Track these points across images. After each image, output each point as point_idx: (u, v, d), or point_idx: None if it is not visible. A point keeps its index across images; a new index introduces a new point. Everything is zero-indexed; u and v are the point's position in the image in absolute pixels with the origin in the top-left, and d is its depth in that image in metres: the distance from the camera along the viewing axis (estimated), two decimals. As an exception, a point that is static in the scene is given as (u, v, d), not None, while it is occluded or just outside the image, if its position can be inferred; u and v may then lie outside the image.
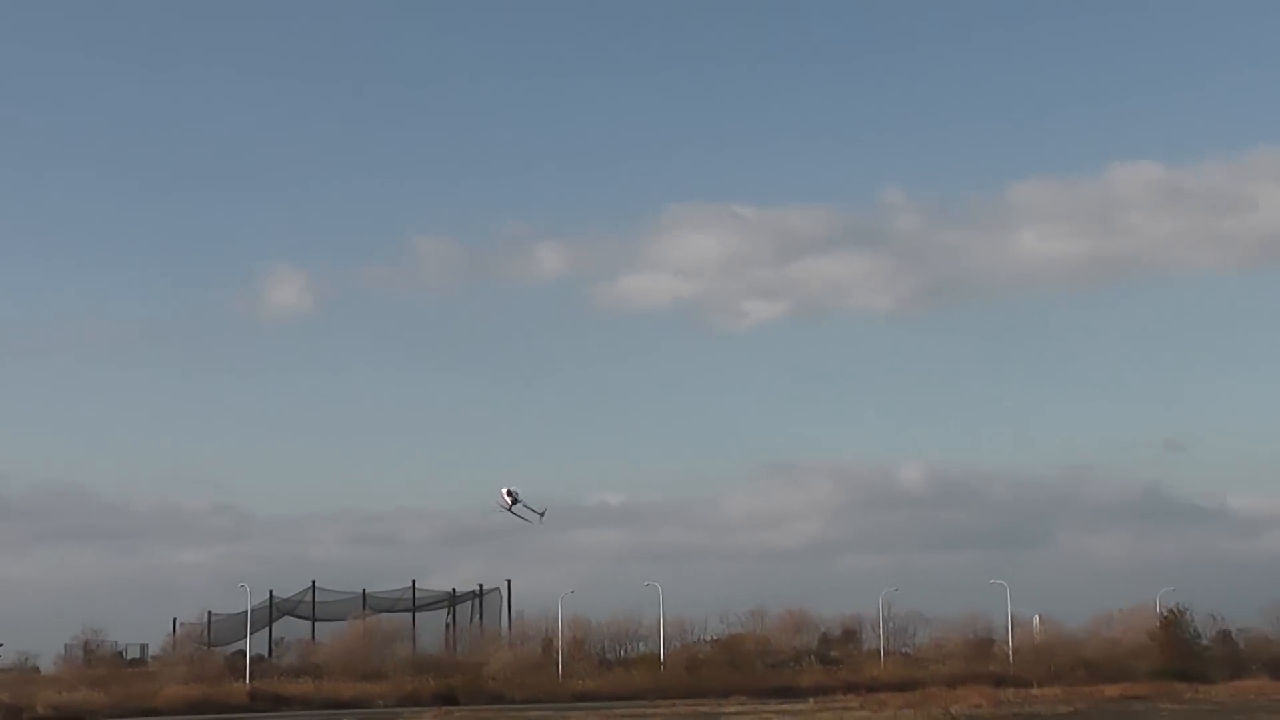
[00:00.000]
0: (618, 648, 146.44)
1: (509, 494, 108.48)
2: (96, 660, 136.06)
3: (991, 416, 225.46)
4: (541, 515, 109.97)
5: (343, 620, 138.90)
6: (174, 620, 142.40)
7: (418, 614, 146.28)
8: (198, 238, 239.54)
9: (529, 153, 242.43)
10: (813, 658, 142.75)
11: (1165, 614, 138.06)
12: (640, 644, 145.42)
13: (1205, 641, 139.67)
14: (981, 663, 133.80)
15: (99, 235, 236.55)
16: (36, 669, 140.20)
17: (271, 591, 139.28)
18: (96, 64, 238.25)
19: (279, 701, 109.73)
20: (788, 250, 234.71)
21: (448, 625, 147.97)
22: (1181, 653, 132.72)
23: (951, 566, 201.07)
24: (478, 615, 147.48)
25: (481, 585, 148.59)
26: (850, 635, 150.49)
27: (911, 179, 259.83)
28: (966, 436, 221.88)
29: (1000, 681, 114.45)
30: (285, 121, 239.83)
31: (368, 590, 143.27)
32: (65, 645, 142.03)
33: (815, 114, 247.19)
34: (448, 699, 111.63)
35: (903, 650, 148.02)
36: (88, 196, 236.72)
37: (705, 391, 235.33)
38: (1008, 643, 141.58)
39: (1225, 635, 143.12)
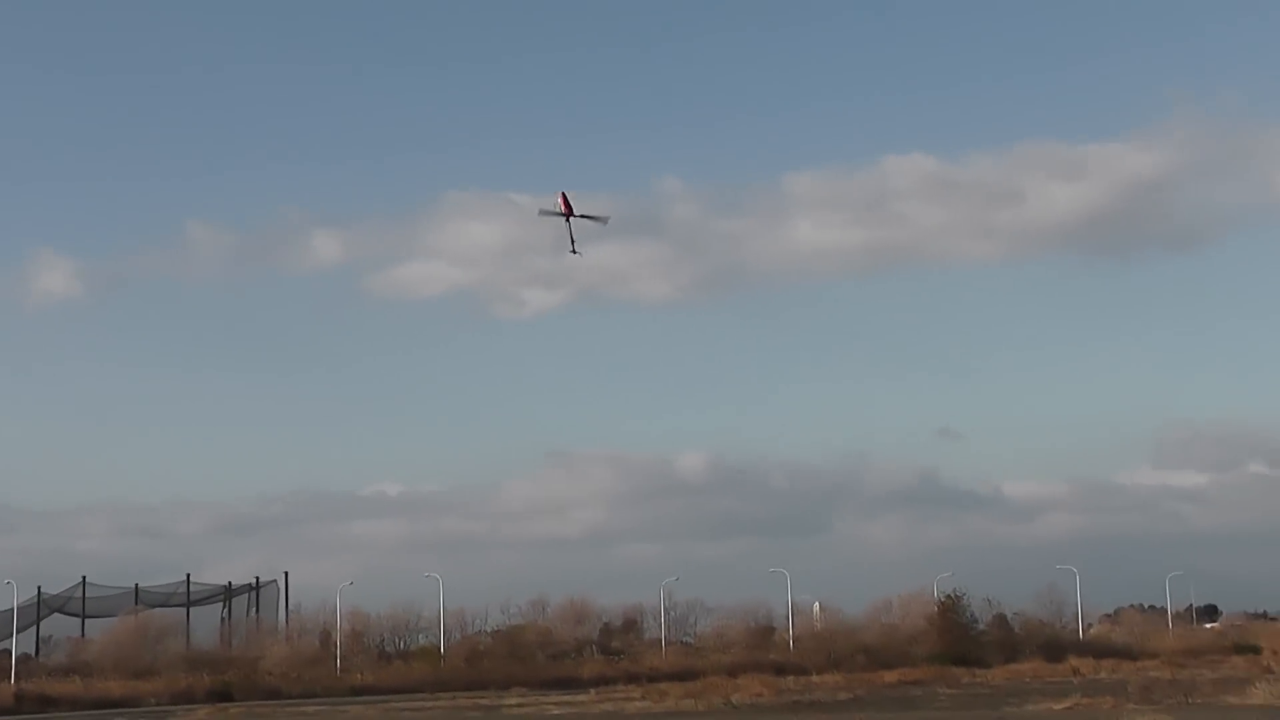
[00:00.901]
0: (397, 640, 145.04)
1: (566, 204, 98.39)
2: None
3: (770, 405, 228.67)
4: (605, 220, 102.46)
5: (114, 616, 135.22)
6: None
7: (192, 608, 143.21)
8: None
9: (304, 140, 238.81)
10: (594, 648, 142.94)
11: (942, 599, 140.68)
12: (420, 636, 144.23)
13: (982, 626, 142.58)
14: (763, 651, 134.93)
15: None
16: None
17: (39, 587, 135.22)
18: None
19: (46, 703, 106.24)
20: (566, 239, 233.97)
21: (223, 619, 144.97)
22: (959, 637, 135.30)
23: (732, 555, 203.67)
24: (254, 609, 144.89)
25: (258, 578, 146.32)
26: (631, 625, 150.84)
27: (688, 168, 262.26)
28: (745, 425, 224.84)
29: (781, 669, 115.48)
30: (54, 107, 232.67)
31: (140, 585, 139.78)
32: None
33: (592, 104, 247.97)
34: (223, 695, 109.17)
35: (684, 640, 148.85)
36: None
37: (486, 380, 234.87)
38: (788, 631, 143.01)
39: (1001, 619, 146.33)
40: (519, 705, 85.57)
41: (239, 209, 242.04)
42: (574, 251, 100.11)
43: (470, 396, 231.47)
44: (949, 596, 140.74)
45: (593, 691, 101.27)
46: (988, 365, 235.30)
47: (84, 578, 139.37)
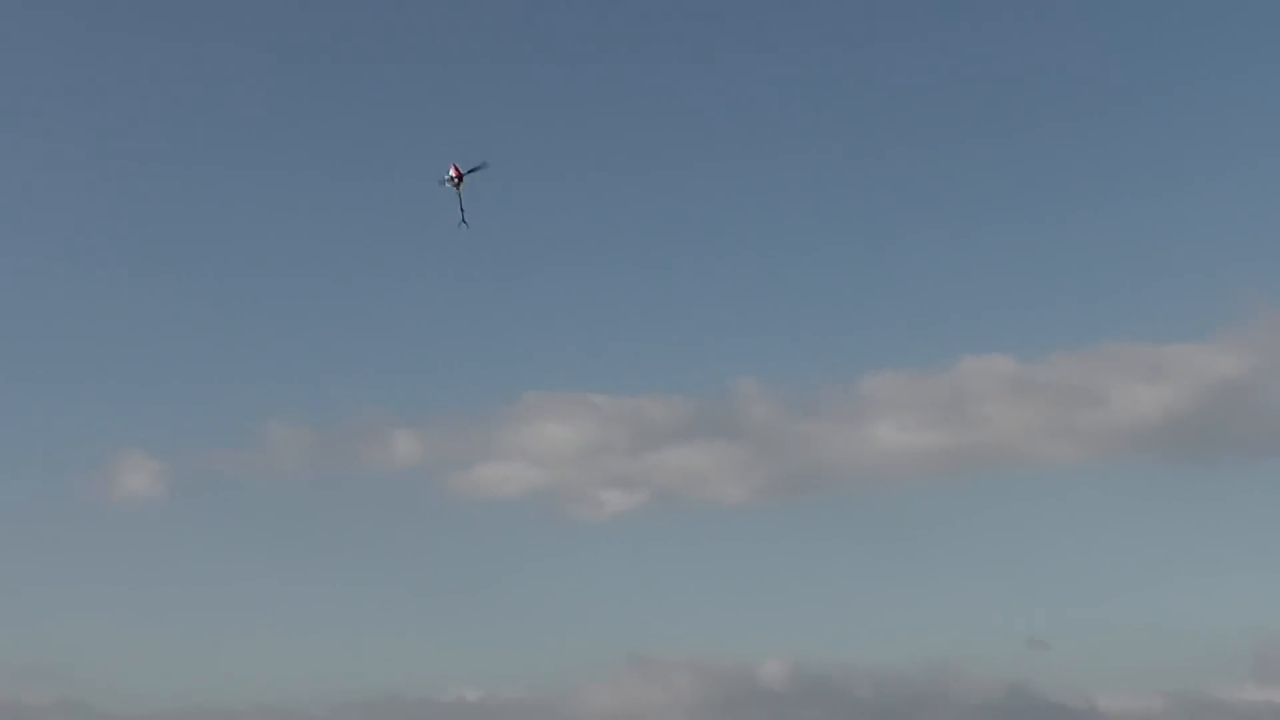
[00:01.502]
0: None
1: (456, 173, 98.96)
2: None
3: (851, 610, 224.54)
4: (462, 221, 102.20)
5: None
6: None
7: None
8: (48, 425, 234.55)
9: (384, 339, 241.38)
10: None
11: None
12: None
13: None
14: None
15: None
16: None
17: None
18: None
19: None
20: (644, 440, 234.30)
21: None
22: None
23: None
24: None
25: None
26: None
27: (764, 370, 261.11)
28: (827, 631, 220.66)
29: None
30: (135, 308, 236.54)
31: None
32: None
33: (670, 306, 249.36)
34: None
35: None
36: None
37: (564, 582, 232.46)
38: None
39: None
40: None
41: (320, 409, 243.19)
42: (464, 223, 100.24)
43: (549, 598, 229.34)
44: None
45: None
46: (1074, 572, 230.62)
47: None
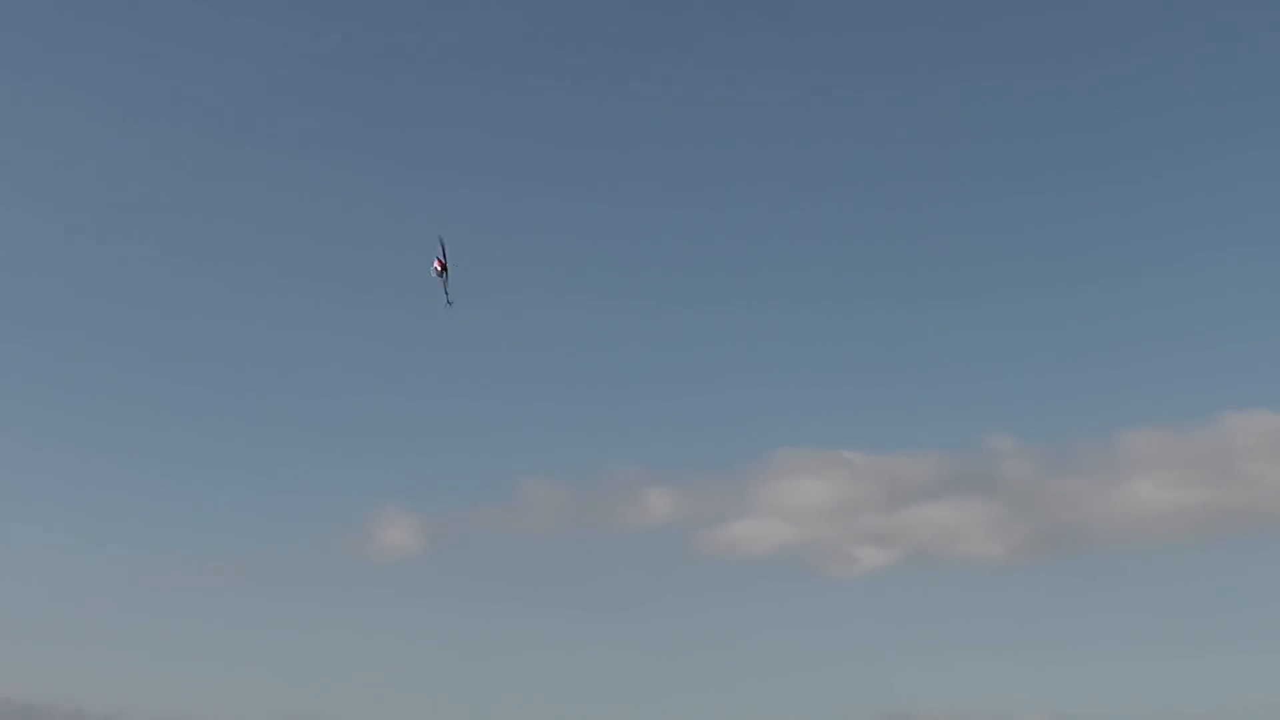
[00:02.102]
0: None
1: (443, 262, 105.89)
2: None
3: (1111, 669, 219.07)
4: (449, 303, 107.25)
5: None
6: None
7: None
8: (309, 478, 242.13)
9: (637, 398, 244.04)
10: None
11: None
12: None
13: None
14: None
15: (212, 473, 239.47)
16: None
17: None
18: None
19: None
20: (897, 497, 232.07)
21: None
22: None
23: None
24: None
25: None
26: None
27: (1020, 426, 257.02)
28: (1087, 690, 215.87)
29: None
30: (394, 364, 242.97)
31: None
32: None
33: (921, 360, 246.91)
34: None
35: None
36: (213, 439, 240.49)
37: (817, 639, 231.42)
38: None
39: None
40: None
41: (575, 467, 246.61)
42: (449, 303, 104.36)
43: (802, 655, 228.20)
44: None
45: None
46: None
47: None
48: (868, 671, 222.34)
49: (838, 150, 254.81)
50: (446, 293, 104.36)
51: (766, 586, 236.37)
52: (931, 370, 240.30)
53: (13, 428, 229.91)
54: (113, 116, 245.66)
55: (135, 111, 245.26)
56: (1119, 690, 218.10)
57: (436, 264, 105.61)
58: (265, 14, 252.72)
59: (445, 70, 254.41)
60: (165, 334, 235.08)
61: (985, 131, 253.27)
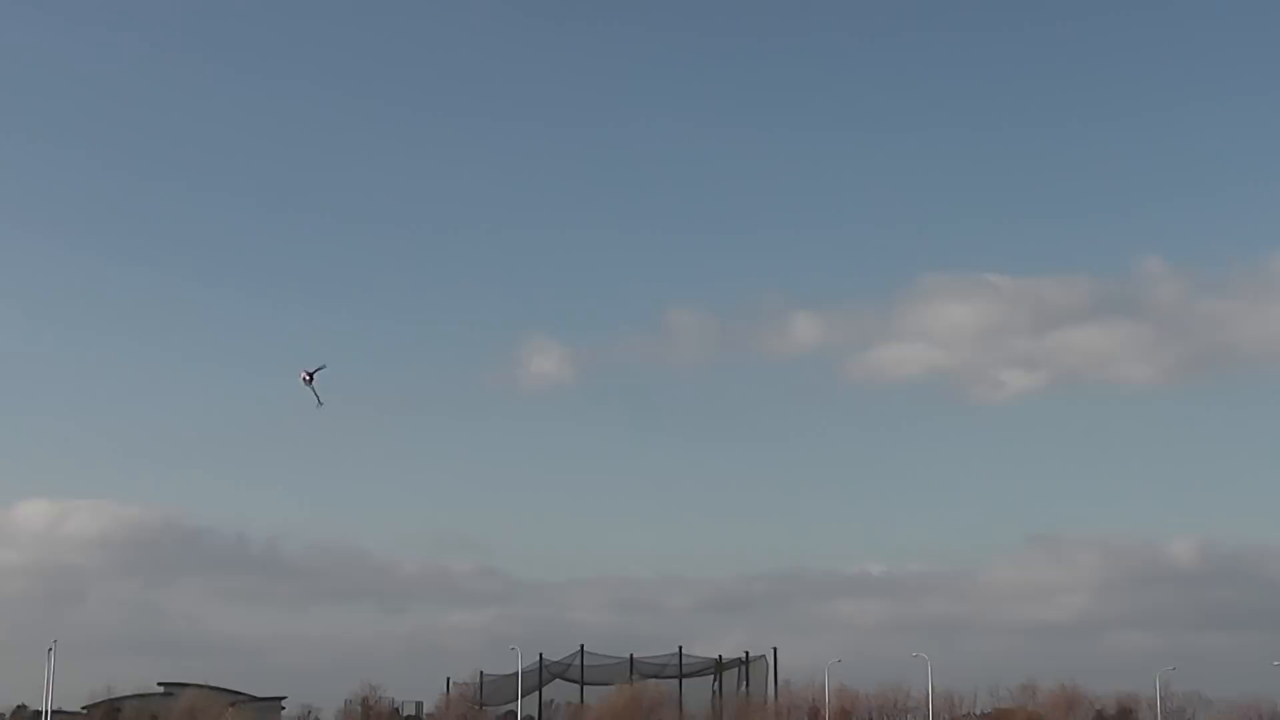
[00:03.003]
0: (886, 718, 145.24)
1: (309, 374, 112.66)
2: (375, 716, 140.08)
3: (1262, 491, 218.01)
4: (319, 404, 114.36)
5: (610, 685, 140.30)
6: (447, 680, 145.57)
7: (684, 681, 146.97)
8: (460, 310, 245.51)
9: (782, 223, 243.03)
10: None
11: None
12: (908, 716, 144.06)
13: None
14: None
15: (366, 308, 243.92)
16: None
17: (541, 654, 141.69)
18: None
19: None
20: (1044, 321, 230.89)
21: (714, 692, 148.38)
22: None
23: (1231, 647, 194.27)
24: (743, 683, 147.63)
25: (747, 653, 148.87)
26: (1126, 715, 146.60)
27: (1169, 247, 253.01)
28: (1237, 511, 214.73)
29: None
30: (546, 198, 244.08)
31: (634, 655, 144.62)
32: (345, 700, 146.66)
33: (1070, 183, 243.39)
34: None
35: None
36: (368, 272, 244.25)
37: (964, 463, 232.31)
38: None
39: None
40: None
41: (721, 295, 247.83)
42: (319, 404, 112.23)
43: (950, 478, 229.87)
44: None
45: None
46: None
47: (582, 646, 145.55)
48: (1014, 495, 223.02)
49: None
50: (317, 396, 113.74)
51: (913, 412, 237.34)
52: (1079, 192, 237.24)
53: (179, 265, 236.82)
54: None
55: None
56: (1271, 513, 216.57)
57: (303, 374, 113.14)
58: None
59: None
60: (316, 169, 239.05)
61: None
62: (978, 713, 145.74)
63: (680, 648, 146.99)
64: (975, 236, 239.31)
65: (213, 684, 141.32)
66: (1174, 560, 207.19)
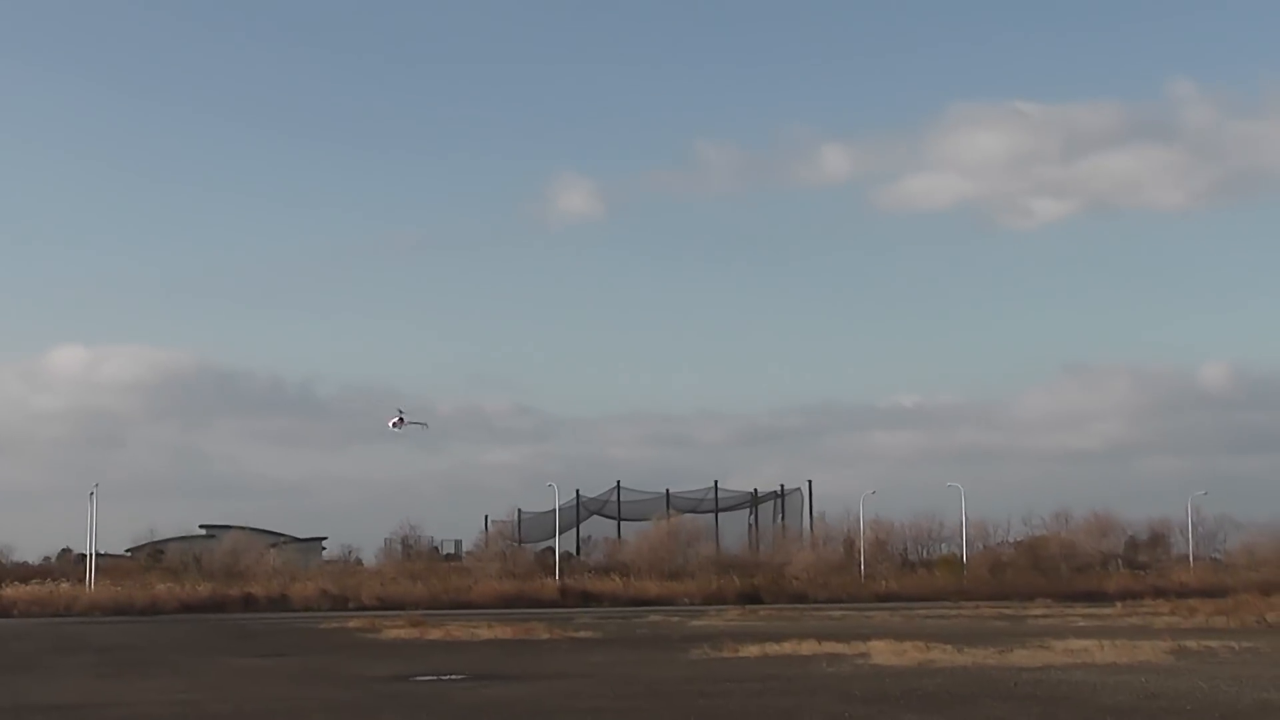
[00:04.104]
0: (920, 549, 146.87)
1: (398, 421, 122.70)
2: (415, 555, 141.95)
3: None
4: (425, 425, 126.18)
5: (647, 520, 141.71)
6: (485, 518, 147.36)
7: (720, 514, 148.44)
8: (486, 145, 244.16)
9: (808, 53, 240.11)
10: (1119, 562, 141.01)
11: None
12: (942, 546, 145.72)
13: None
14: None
15: (396, 142, 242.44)
16: (359, 562, 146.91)
17: (578, 491, 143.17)
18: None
19: (588, 598, 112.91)
20: (1074, 147, 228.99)
21: (750, 525, 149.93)
22: None
23: (1260, 470, 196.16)
24: (779, 516, 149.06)
25: (783, 486, 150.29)
26: (1158, 540, 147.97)
27: (1200, 69, 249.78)
28: (1268, 335, 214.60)
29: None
30: (570, 30, 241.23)
31: (670, 490, 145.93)
32: (385, 540, 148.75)
33: (1095, 3, 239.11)
34: (751, 598, 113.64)
35: (1213, 556, 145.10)
36: (389, 106, 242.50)
37: (995, 292, 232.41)
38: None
39: None
40: (1044, 616, 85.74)
41: (748, 126, 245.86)
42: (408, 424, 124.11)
43: (980, 308, 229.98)
44: None
45: (1118, 605, 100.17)
46: None
47: (618, 482, 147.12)
48: (1046, 324, 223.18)
49: None
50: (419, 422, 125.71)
51: (943, 242, 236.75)
52: (1106, 12, 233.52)
53: (214, 105, 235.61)
54: None
55: None
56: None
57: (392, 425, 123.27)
58: None
59: None
60: (330, 6, 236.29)
61: None
62: (1011, 540, 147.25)
63: (715, 482, 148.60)
64: (1002, 62, 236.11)
65: (253, 525, 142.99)
66: (1205, 385, 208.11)
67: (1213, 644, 54.23)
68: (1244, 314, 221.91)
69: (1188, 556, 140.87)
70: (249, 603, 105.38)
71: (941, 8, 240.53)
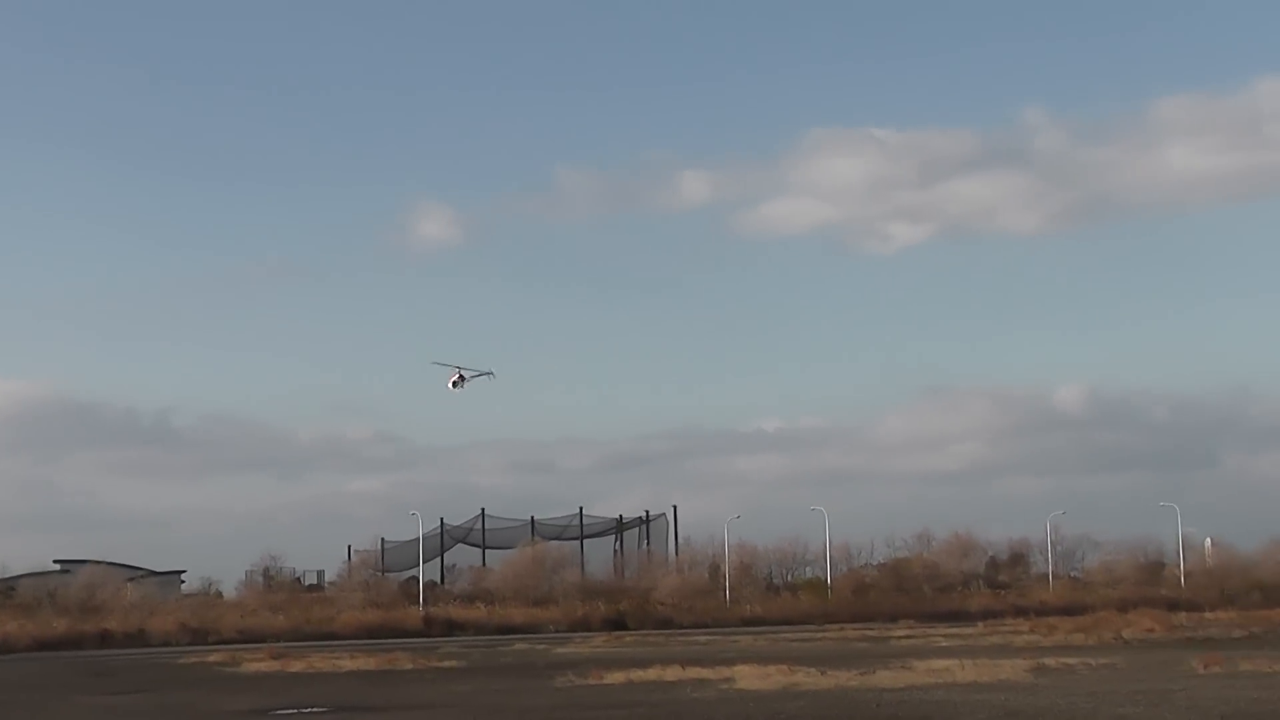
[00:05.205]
0: (784, 573, 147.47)
1: (455, 380, 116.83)
2: (277, 586, 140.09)
3: (1146, 336, 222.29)
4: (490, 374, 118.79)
5: (512, 547, 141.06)
6: (348, 547, 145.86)
7: (585, 540, 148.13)
8: (345, 174, 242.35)
9: (667, 80, 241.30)
10: (981, 582, 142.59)
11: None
12: (807, 569, 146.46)
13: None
14: (1152, 587, 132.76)
15: (253, 171, 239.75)
16: (219, 594, 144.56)
17: (442, 519, 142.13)
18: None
19: (452, 626, 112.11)
20: (930, 173, 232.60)
21: (616, 551, 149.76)
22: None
23: (1117, 489, 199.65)
24: (644, 541, 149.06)
25: (648, 512, 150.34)
26: (1018, 559, 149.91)
27: (1052, 97, 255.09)
28: (1122, 357, 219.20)
29: (1172, 605, 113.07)
30: (428, 57, 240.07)
31: (535, 517, 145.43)
32: (246, 571, 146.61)
33: (952, 33, 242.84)
34: (617, 624, 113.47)
35: (1072, 574, 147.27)
36: (246, 136, 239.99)
37: (855, 316, 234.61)
38: (1179, 566, 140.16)
39: None
40: (907, 637, 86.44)
41: (608, 152, 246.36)
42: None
43: (842, 332, 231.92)
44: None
45: (980, 624, 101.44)
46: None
47: (483, 510, 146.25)
48: (907, 347, 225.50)
49: None
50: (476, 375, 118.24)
51: (804, 265, 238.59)
52: (960, 42, 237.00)
53: (62, 135, 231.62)
54: None
55: None
56: (1154, 358, 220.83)
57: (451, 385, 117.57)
58: None
59: None
60: (183, 36, 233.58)
61: None
62: (875, 562, 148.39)
63: (581, 508, 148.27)
64: (859, 89, 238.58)
65: (110, 559, 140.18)
66: (1062, 406, 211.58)
67: (1071, 661, 54.96)
68: (1098, 336, 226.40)
69: (1047, 575, 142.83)
70: (106, 639, 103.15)
71: (798, 36, 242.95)
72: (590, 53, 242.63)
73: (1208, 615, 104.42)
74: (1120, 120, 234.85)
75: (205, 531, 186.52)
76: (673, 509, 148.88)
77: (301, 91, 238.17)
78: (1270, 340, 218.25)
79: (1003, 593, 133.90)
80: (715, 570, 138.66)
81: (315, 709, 42.35)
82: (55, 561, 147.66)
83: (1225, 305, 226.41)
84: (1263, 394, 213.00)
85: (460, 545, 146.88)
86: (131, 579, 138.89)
